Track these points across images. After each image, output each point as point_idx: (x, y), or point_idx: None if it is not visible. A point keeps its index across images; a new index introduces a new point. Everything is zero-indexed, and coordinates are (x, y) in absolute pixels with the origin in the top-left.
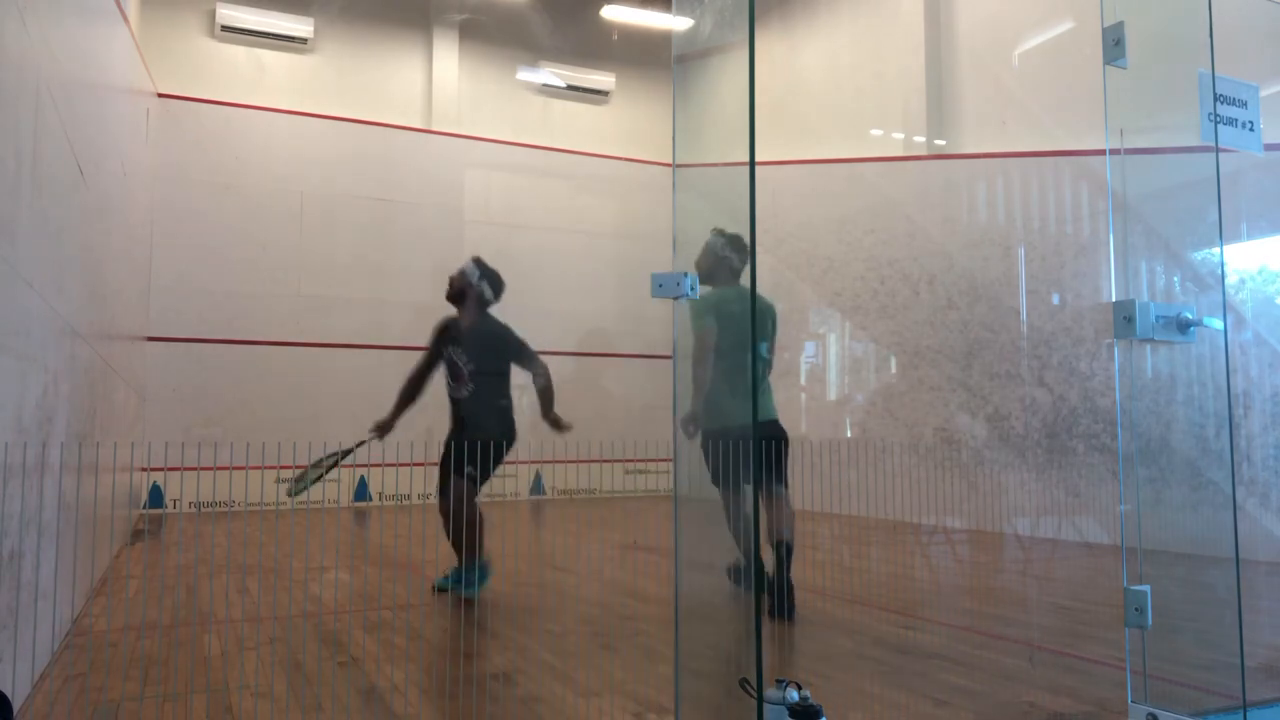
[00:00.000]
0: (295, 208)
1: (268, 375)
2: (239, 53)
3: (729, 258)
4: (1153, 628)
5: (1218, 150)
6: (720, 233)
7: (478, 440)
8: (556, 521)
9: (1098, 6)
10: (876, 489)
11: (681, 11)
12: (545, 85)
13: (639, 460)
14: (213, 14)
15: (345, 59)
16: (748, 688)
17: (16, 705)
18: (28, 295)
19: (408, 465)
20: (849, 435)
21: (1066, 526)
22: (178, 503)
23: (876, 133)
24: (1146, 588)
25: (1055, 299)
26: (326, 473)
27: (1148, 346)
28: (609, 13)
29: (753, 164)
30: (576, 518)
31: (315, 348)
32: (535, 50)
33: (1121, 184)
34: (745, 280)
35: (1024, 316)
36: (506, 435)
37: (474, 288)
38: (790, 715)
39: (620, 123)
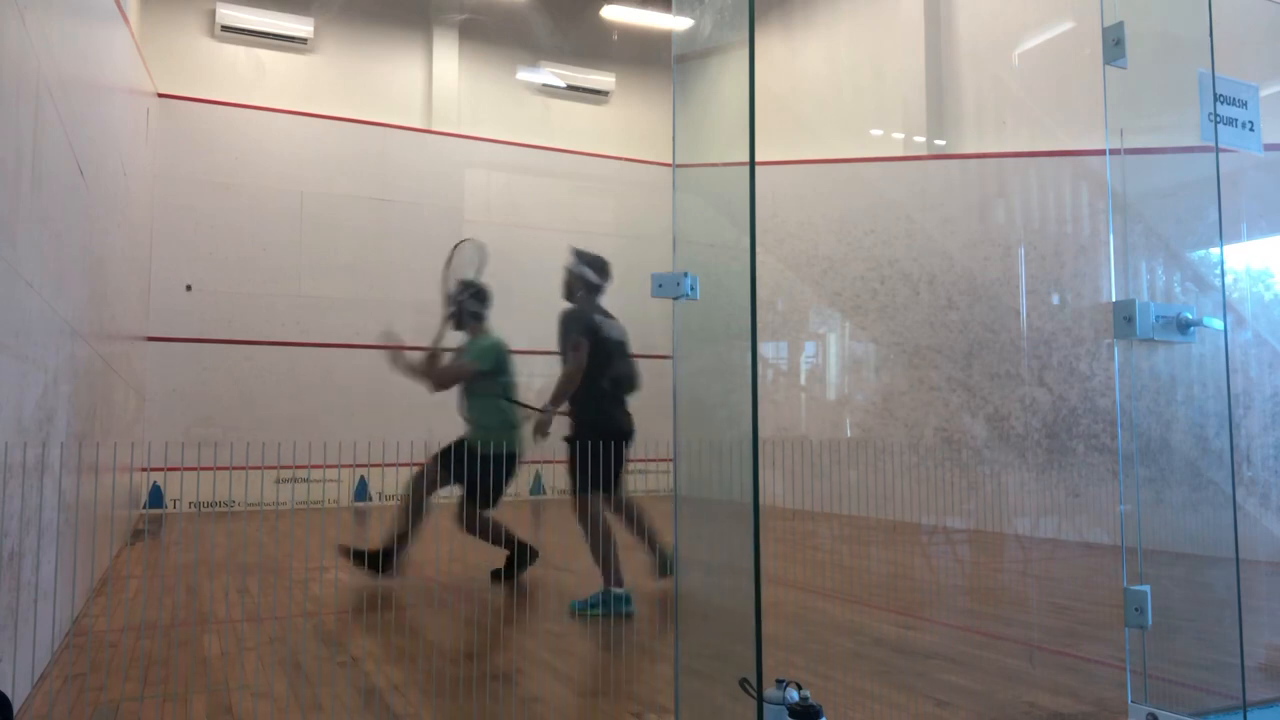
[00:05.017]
0: (295, 208)
1: (268, 375)
2: (239, 53)
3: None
4: (1153, 628)
5: (1218, 150)
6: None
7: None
8: (556, 521)
9: (1098, 6)
10: (876, 489)
11: (681, 11)
12: (545, 85)
13: (639, 460)
14: (213, 14)
15: (345, 59)
16: (748, 688)
17: (16, 705)
18: (28, 295)
19: (408, 465)
20: (849, 435)
21: (1066, 526)
22: (178, 503)
23: (876, 133)
24: (1146, 588)
25: (1055, 299)
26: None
27: (1148, 346)
28: (609, 13)
29: (753, 164)
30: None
31: (315, 348)
32: (535, 50)
33: (1121, 184)
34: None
35: (1024, 316)
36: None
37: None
38: (790, 715)
39: (620, 123)
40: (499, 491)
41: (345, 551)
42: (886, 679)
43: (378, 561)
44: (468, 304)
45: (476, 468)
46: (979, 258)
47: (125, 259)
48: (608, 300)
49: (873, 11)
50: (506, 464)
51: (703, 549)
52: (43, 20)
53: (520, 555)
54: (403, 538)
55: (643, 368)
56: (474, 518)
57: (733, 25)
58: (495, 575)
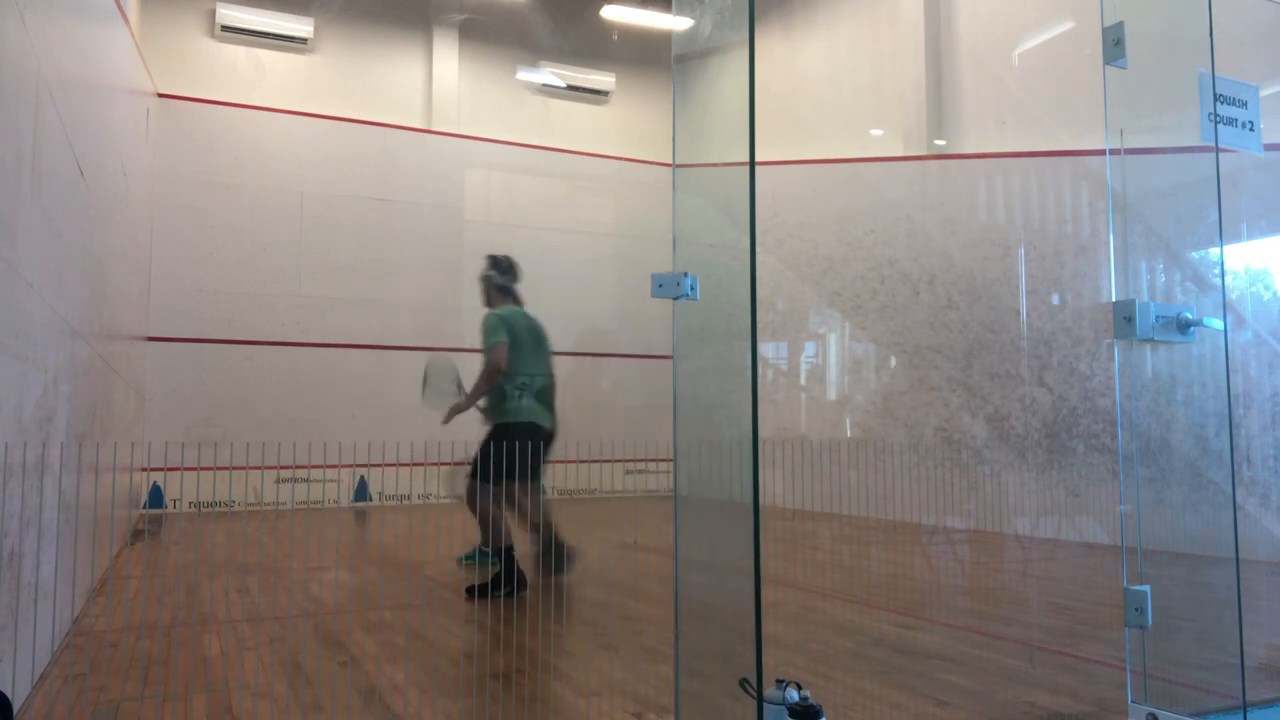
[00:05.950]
0: (295, 208)
1: (268, 375)
2: (239, 53)
3: (490, 276)
4: (1153, 628)
5: (1218, 150)
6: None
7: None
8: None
9: (1098, 6)
10: (876, 489)
11: (681, 11)
12: (545, 85)
13: (638, 460)
14: (213, 14)
15: (345, 59)
16: (748, 688)
17: (16, 705)
18: (28, 295)
19: (408, 465)
20: (849, 435)
21: (1066, 526)
22: (178, 503)
23: (876, 133)
24: (1146, 588)
25: (1055, 299)
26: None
27: (1148, 346)
28: (609, 13)
29: (753, 164)
30: (576, 518)
31: (315, 348)
32: (535, 50)
33: (1121, 184)
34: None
35: (1024, 316)
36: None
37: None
38: (790, 715)
39: (620, 123)
40: (498, 469)
41: (471, 592)
42: (886, 679)
43: (499, 585)
44: (494, 279)
45: (489, 449)
46: (979, 258)
47: (125, 259)
48: (608, 298)
49: (873, 12)
50: (506, 440)
51: (703, 549)
52: (43, 20)
53: (509, 574)
54: (509, 550)
55: (642, 368)
56: (473, 492)
57: (733, 25)
58: (469, 592)
